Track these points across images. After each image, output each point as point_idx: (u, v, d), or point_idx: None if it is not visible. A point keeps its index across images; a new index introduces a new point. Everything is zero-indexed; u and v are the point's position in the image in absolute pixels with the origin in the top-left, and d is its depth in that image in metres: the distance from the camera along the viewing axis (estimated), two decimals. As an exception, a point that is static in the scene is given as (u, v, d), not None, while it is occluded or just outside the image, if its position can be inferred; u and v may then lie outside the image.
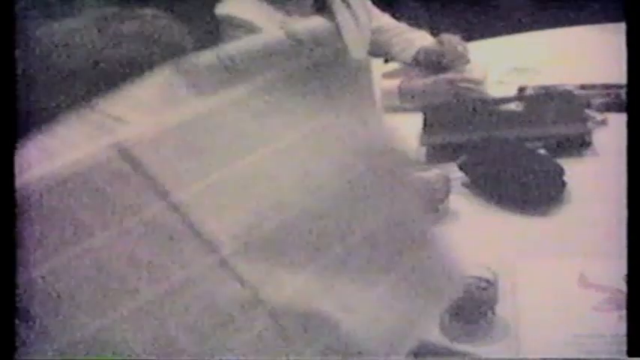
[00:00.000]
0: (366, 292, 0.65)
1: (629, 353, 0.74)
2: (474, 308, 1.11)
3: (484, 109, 1.70)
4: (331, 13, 2.10)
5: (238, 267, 0.59)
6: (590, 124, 1.60)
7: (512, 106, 1.68)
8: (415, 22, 2.47)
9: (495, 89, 1.96)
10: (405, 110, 1.94)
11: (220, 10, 2.08)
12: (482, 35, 2.40)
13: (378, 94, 1.70)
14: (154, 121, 0.61)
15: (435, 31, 2.37)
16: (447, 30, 2.32)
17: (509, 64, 2.13)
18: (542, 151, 1.55)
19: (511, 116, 1.63)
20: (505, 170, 1.47)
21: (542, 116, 1.60)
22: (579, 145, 1.57)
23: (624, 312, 1.05)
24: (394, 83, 2.06)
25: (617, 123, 1.64)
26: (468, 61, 2.17)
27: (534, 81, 1.98)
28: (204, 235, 0.58)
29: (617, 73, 1.86)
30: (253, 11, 2.00)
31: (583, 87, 1.86)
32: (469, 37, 2.37)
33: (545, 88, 1.91)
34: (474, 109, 1.71)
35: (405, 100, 2.02)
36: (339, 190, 0.65)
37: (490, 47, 2.34)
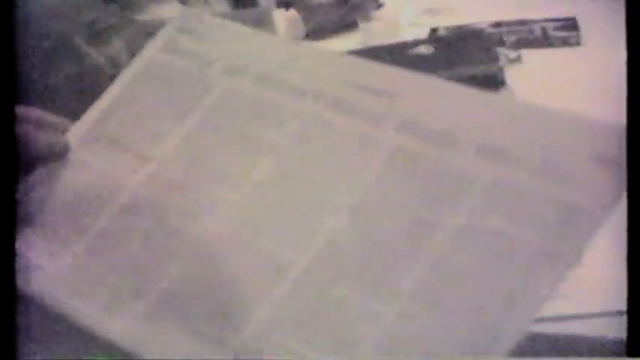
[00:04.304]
0: None
1: (629, 353, 0.73)
2: None
3: (394, 53, 1.63)
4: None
5: None
6: (502, 63, 1.54)
7: (423, 49, 1.61)
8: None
9: (408, 32, 1.88)
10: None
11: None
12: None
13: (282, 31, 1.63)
14: None
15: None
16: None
17: (422, 5, 2.05)
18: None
19: (421, 59, 1.56)
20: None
21: (453, 58, 1.55)
22: (492, 84, 1.51)
23: None
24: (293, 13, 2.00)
25: (532, 59, 1.59)
26: (379, 5, 2.10)
27: (448, 21, 1.91)
28: None
29: (531, 8, 1.81)
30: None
31: (497, 24, 1.80)
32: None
33: (457, 28, 1.84)
34: (384, 54, 1.64)
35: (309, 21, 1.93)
36: None
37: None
